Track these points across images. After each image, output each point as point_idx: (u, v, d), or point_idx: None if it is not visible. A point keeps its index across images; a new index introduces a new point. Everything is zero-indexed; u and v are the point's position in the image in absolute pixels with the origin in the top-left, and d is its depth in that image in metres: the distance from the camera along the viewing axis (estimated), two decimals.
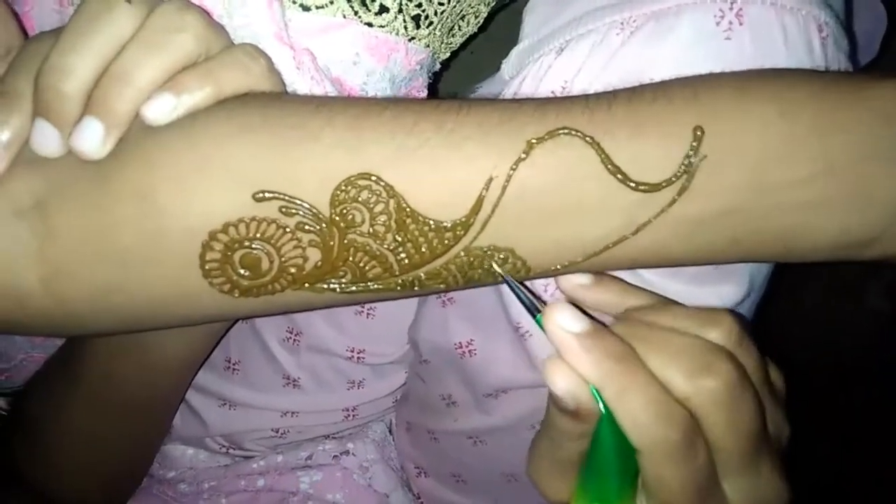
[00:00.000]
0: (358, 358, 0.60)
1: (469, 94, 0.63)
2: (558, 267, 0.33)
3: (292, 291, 0.32)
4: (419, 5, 0.43)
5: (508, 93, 0.42)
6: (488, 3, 0.52)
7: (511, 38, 0.45)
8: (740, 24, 0.34)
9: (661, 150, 0.30)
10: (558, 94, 0.38)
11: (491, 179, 0.30)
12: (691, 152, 0.29)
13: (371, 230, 0.31)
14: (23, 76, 0.32)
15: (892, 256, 0.31)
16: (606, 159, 0.30)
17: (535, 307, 0.32)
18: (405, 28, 0.43)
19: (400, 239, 0.31)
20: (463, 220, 0.31)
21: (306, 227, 0.31)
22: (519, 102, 0.32)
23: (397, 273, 0.32)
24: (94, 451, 0.55)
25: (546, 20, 0.41)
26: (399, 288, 0.33)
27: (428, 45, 0.46)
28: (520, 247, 0.32)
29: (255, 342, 0.60)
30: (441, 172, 0.31)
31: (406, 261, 0.32)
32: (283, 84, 0.37)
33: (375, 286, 0.33)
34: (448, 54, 0.53)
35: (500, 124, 0.31)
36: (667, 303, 0.34)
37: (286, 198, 0.31)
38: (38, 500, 0.57)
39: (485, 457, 0.55)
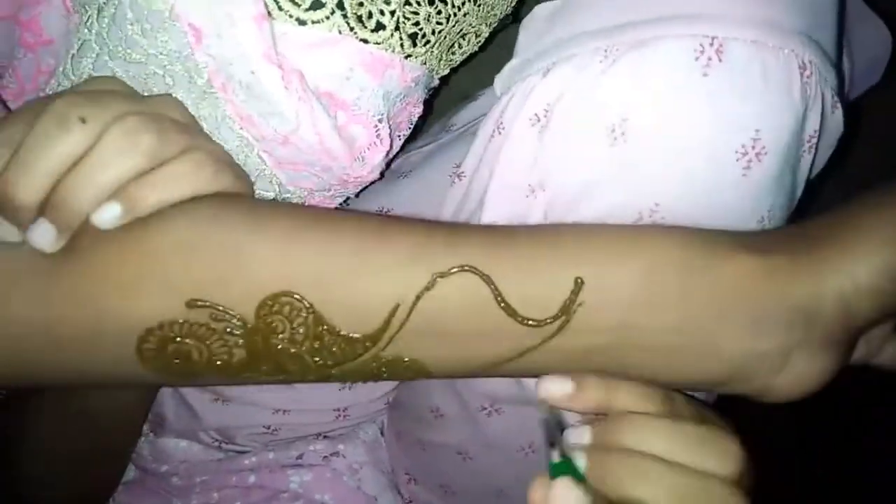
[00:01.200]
0: None
1: (468, 103, 0.65)
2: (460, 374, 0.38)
3: (218, 377, 0.37)
4: (416, 24, 0.44)
5: (496, 113, 0.43)
6: (490, 24, 0.52)
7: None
8: (719, 60, 0.34)
9: (546, 292, 0.35)
10: (541, 119, 0.39)
11: (398, 305, 0.35)
12: (570, 299, 0.34)
13: (291, 337, 0.35)
14: None
15: (741, 394, 0.36)
16: (499, 296, 0.35)
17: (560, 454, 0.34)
18: (401, 46, 0.44)
19: (317, 346, 0.36)
20: (372, 334, 0.35)
21: (233, 332, 0.35)
22: (433, 232, 0.37)
23: (313, 370, 0.37)
24: (57, 463, 0.58)
25: (537, 38, 0.42)
26: (314, 379, 0.37)
27: (424, 63, 0.47)
28: (422, 358, 0.36)
29: None
30: (355, 296, 0.35)
31: (321, 362, 0.36)
32: (234, 181, 0.40)
33: (292, 377, 0.37)
34: (447, 71, 0.54)
35: (410, 255, 0.35)
36: (664, 405, 0.36)
37: (216, 308, 0.35)
38: None
39: (473, 472, 0.56)
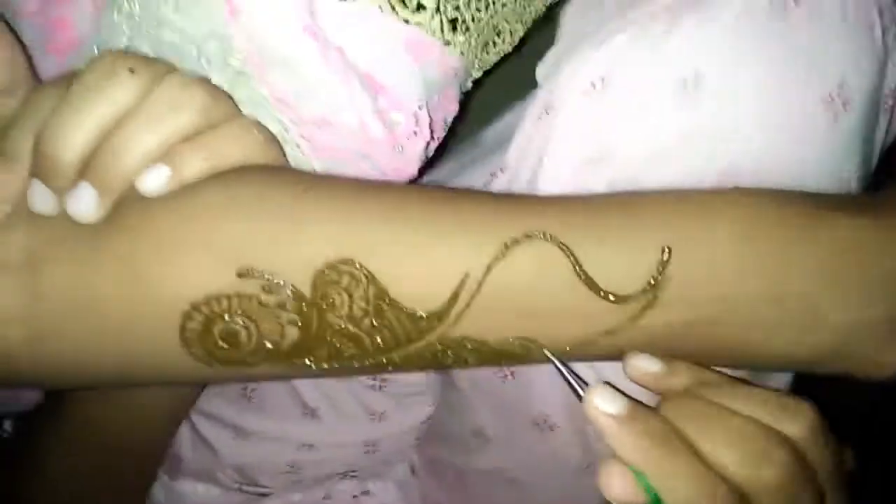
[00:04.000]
0: (380, 386, 0.57)
1: (496, 120, 0.63)
2: (527, 361, 0.34)
3: (268, 365, 0.33)
4: (457, 8, 0.42)
5: (542, 95, 0.40)
6: (525, 23, 0.51)
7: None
8: (795, 2, 0.32)
9: (629, 263, 0.31)
10: (597, 87, 0.36)
11: (467, 276, 0.31)
12: (658, 270, 0.31)
13: (350, 313, 0.32)
14: (23, 135, 0.33)
15: (844, 373, 0.33)
16: (578, 267, 0.31)
17: (580, 389, 0.32)
18: (441, 30, 0.42)
19: (377, 324, 0.32)
20: (438, 311, 0.32)
21: (287, 307, 0.32)
22: (500, 200, 0.34)
23: (372, 354, 0.33)
24: (73, 496, 0.54)
25: (583, 19, 0.40)
26: (372, 367, 0.34)
27: (462, 54, 0.45)
28: (491, 340, 0.33)
29: None
30: (420, 265, 0.32)
31: (381, 344, 0.33)
32: (282, 154, 0.37)
33: (349, 364, 0.33)
34: (481, 73, 0.52)
35: (481, 222, 0.32)
36: (743, 384, 0.33)
37: (269, 277, 0.31)
38: None
39: (521, 500, 0.51)
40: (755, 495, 0.28)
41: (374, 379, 0.57)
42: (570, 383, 0.32)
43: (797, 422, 0.30)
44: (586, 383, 0.32)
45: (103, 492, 0.55)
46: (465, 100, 0.53)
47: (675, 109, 0.34)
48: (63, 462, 0.53)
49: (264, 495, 0.61)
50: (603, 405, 0.30)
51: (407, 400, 0.59)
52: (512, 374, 0.44)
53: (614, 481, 0.29)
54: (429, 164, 0.61)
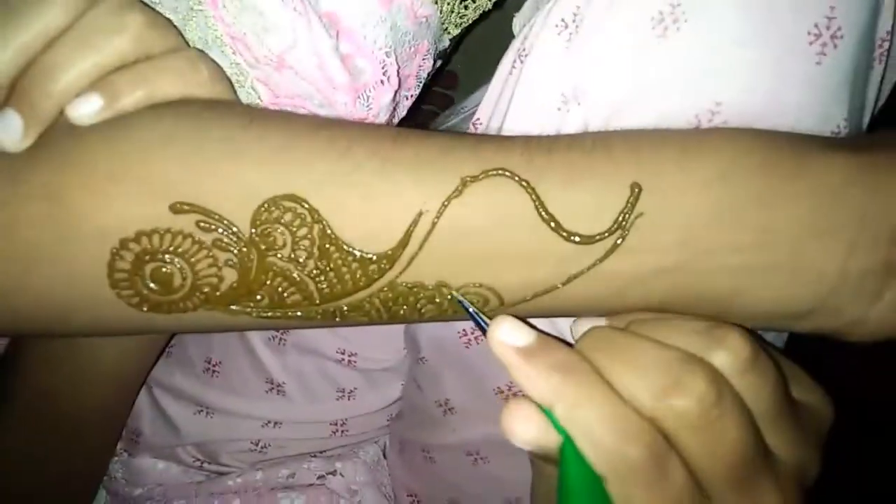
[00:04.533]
0: (349, 361, 0.55)
1: (479, 87, 0.60)
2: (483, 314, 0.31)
3: (205, 311, 0.31)
4: None
5: (515, 45, 0.38)
6: None
7: None
8: None
9: (596, 202, 0.29)
10: (569, 24, 0.34)
11: (420, 214, 0.29)
12: (627, 208, 0.28)
13: (292, 255, 0.29)
14: None
15: (824, 330, 0.30)
16: (540, 206, 0.29)
17: (485, 324, 0.29)
18: None
19: (322, 267, 0.29)
20: (389, 253, 0.29)
21: (224, 245, 0.29)
22: (459, 137, 0.31)
23: (317, 302, 0.30)
24: (31, 474, 0.52)
25: None
26: (319, 317, 0.31)
27: (436, 2, 0.43)
28: (448, 286, 0.30)
29: (238, 340, 0.55)
30: (370, 202, 0.29)
31: (327, 290, 0.30)
32: (231, 93, 0.34)
33: (293, 313, 0.31)
34: (459, 30, 0.50)
35: (435, 158, 0.30)
36: (676, 317, 0.30)
37: (205, 212, 0.29)
38: None
39: (486, 478, 0.48)
40: (672, 430, 0.25)
41: (344, 354, 0.55)
42: (473, 317, 0.29)
43: (726, 349, 0.26)
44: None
45: (59, 462, 0.53)
46: (452, 73, 0.50)
47: (651, 45, 0.31)
48: (16, 437, 0.51)
49: (225, 474, 0.58)
50: (508, 337, 0.27)
51: (377, 377, 0.56)
52: (476, 339, 0.42)
53: (518, 422, 0.26)
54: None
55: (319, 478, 0.57)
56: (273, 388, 0.56)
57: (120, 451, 0.59)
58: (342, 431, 0.58)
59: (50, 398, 0.49)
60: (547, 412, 0.26)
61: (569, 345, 0.28)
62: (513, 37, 0.43)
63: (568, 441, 0.25)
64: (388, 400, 0.58)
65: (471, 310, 0.30)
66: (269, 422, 0.57)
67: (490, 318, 0.28)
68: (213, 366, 0.56)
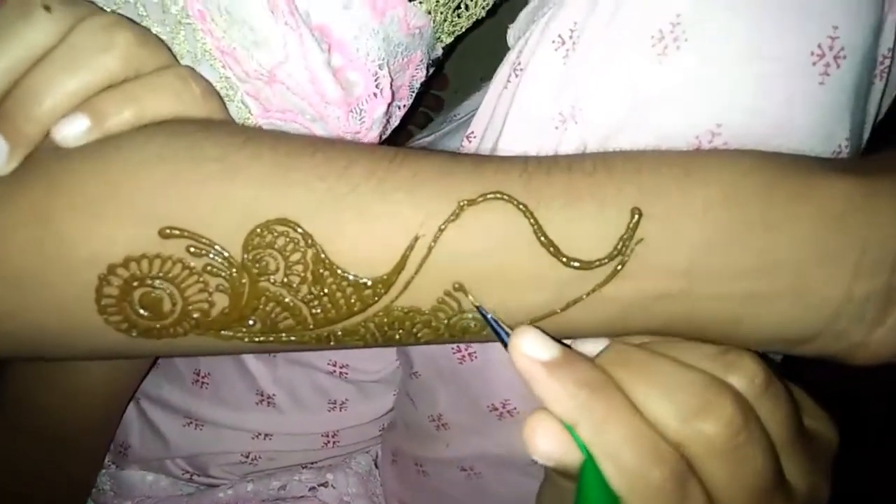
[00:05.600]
0: (340, 373, 0.54)
1: (471, 94, 0.60)
2: (484, 333, 0.30)
3: (195, 336, 0.30)
4: None
5: (511, 57, 0.37)
6: None
7: None
8: None
9: (596, 227, 0.28)
10: (566, 41, 0.33)
11: (417, 238, 0.28)
12: (627, 234, 0.27)
13: (285, 280, 0.29)
14: None
15: (826, 354, 0.30)
16: (539, 230, 0.28)
17: (504, 334, 0.28)
18: None
19: (316, 291, 0.29)
20: (385, 278, 0.28)
21: (214, 271, 0.28)
22: (458, 158, 0.30)
23: (311, 327, 0.30)
24: (19, 486, 0.51)
25: None
26: (313, 341, 0.30)
27: (429, 13, 0.42)
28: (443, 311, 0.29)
29: None
30: (365, 225, 0.28)
31: (321, 315, 0.29)
32: (223, 110, 0.34)
33: (287, 338, 0.30)
34: (452, 39, 0.49)
35: (433, 180, 0.29)
36: (686, 340, 0.29)
37: (195, 237, 0.28)
38: None
39: (479, 492, 0.48)
40: (697, 455, 0.25)
41: (335, 366, 0.54)
42: (492, 327, 0.29)
43: (741, 373, 0.26)
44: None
45: (47, 480, 0.52)
46: (442, 74, 0.50)
47: (652, 64, 0.31)
48: (4, 450, 0.50)
49: (215, 486, 0.57)
50: (531, 350, 0.26)
51: (369, 388, 0.56)
52: (470, 355, 0.41)
53: (540, 436, 0.25)
54: (405, 139, 0.58)
55: (311, 489, 0.57)
56: (263, 400, 0.55)
57: (108, 464, 0.58)
58: (334, 443, 0.58)
59: (40, 412, 0.49)
60: (567, 427, 0.25)
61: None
62: (504, 38, 0.43)
63: (589, 459, 0.25)
64: (381, 411, 0.57)
65: (490, 318, 0.29)
66: (260, 434, 0.56)
67: (510, 329, 0.28)
68: (202, 377, 0.55)
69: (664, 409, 0.25)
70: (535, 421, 0.26)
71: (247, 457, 0.57)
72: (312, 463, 0.58)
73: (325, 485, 0.57)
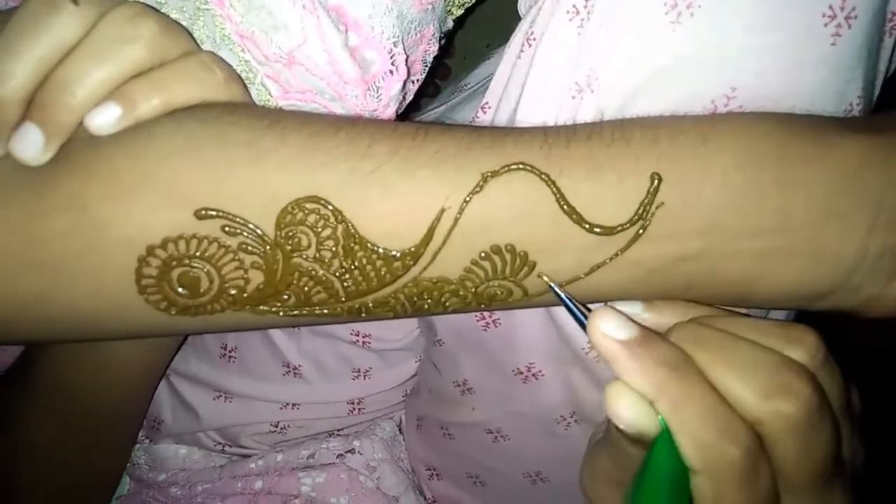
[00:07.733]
0: (363, 342, 0.55)
1: (481, 62, 0.60)
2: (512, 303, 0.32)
3: (232, 312, 0.31)
4: None
5: (524, 27, 0.38)
6: None
7: None
8: None
9: (617, 193, 0.29)
10: (580, 11, 0.34)
11: (443, 210, 0.29)
12: (647, 199, 0.29)
13: (317, 255, 0.30)
14: None
15: (843, 309, 0.31)
16: (561, 198, 0.29)
17: (583, 316, 0.29)
18: None
19: (346, 265, 0.30)
20: (413, 250, 0.30)
21: (249, 249, 0.30)
22: (478, 132, 0.31)
23: (343, 299, 0.31)
24: (53, 467, 0.52)
25: None
26: (345, 314, 0.32)
27: None
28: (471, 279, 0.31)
29: None
30: (392, 200, 0.30)
31: (352, 288, 0.31)
32: (245, 94, 0.35)
33: (320, 311, 0.31)
34: (462, 11, 0.50)
35: (456, 154, 0.30)
36: (742, 314, 0.31)
37: (229, 217, 0.29)
38: None
39: (506, 454, 0.50)
40: (772, 434, 0.26)
41: (358, 335, 0.55)
42: (570, 309, 0.30)
43: (805, 347, 0.27)
44: (589, 309, 0.29)
45: (83, 457, 0.54)
46: (449, 42, 0.50)
47: (666, 31, 0.31)
48: (39, 432, 0.51)
49: (247, 457, 0.59)
50: (611, 331, 0.27)
51: (392, 356, 0.57)
52: (494, 322, 0.42)
53: (624, 407, 0.26)
54: (415, 109, 0.59)
55: (338, 456, 0.58)
56: (290, 371, 0.57)
57: (142, 439, 0.60)
58: (359, 409, 0.59)
59: (74, 393, 0.50)
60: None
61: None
62: (507, 4, 0.43)
63: (666, 431, 0.26)
64: (404, 377, 0.59)
65: (566, 299, 0.30)
66: (288, 404, 0.58)
67: (580, 309, 0.29)
68: (230, 352, 0.57)
69: (742, 389, 0.26)
70: (617, 391, 0.27)
71: (276, 426, 0.59)
72: (339, 430, 0.60)
73: (352, 451, 0.59)
